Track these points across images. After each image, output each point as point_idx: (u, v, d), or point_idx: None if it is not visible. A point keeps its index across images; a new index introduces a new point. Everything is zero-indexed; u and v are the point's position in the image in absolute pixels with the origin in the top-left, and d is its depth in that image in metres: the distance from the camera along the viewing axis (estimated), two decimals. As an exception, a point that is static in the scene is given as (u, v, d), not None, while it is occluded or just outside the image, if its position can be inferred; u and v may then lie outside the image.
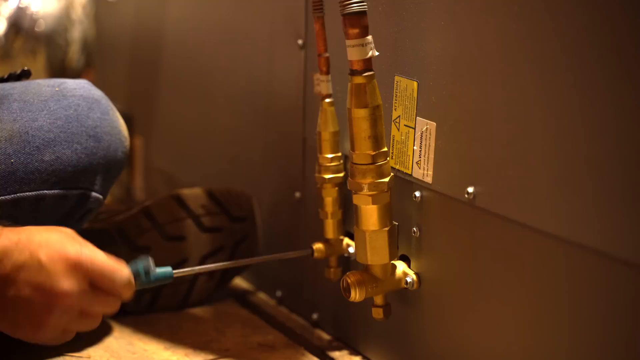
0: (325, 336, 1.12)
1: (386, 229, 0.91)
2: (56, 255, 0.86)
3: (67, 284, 0.86)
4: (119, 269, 0.89)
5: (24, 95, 1.02)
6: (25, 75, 1.07)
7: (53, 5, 1.67)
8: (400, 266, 0.95)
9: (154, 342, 1.09)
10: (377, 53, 0.87)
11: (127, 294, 0.90)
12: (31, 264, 0.85)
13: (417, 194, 0.93)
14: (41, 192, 0.99)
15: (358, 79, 0.87)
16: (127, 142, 1.08)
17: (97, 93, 1.06)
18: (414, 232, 0.94)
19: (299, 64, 1.11)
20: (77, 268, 0.86)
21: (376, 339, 1.03)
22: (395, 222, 0.94)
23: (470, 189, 0.86)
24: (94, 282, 0.88)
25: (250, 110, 1.23)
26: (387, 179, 0.90)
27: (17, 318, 0.87)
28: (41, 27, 1.65)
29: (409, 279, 0.94)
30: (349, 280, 0.92)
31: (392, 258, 0.93)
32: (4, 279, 0.85)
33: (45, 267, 0.85)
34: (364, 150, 0.89)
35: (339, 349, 1.08)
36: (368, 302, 0.95)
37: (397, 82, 0.94)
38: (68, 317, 0.87)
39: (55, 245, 0.87)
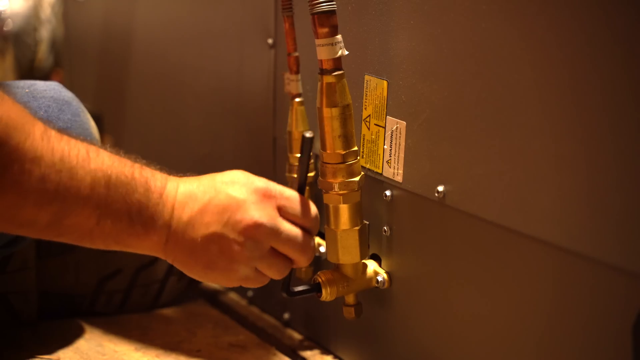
0: (297, 336, 1.12)
1: (357, 228, 0.91)
2: (245, 188, 0.86)
3: (258, 214, 0.86)
4: (307, 200, 0.90)
5: (-8, 98, 1.01)
6: None
7: (21, 5, 1.66)
8: (371, 265, 0.95)
9: (124, 343, 1.09)
10: (346, 52, 0.87)
11: (315, 228, 0.90)
12: (219, 199, 0.85)
13: (388, 193, 0.93)
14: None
15: (328, 78, 0.87)
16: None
17: (67, 95, 1.06)
18: (385, 231, 0.94)
19: (268, 63, 1.10)
20: (267, 198, 0.87)
21: (347, 338, 1.03)
22: (365, 221, 0.94)
23: (440, 188, 0.86)
24: (283, 213, 0.88)
25: (220, 109, 1.23)
26: (357, 178, 0.90)
27: (210, 256, 0.86)
28: (9, 26, 1.64)
29: (380, 278, 0.94)
30: (320, 280, 0.92)
31: (363, 257, 0.93)
32: (192, 220, 0.85)
33: (235, 200, 0.85)
34: (334, 150, 0.89)
35: (310, 348, 1.08)
36: (339, 302, 0.95)
37: (367, 81, 0.94)
38: (260, 252, 0.87)
39: (242, 180, 0.87)
